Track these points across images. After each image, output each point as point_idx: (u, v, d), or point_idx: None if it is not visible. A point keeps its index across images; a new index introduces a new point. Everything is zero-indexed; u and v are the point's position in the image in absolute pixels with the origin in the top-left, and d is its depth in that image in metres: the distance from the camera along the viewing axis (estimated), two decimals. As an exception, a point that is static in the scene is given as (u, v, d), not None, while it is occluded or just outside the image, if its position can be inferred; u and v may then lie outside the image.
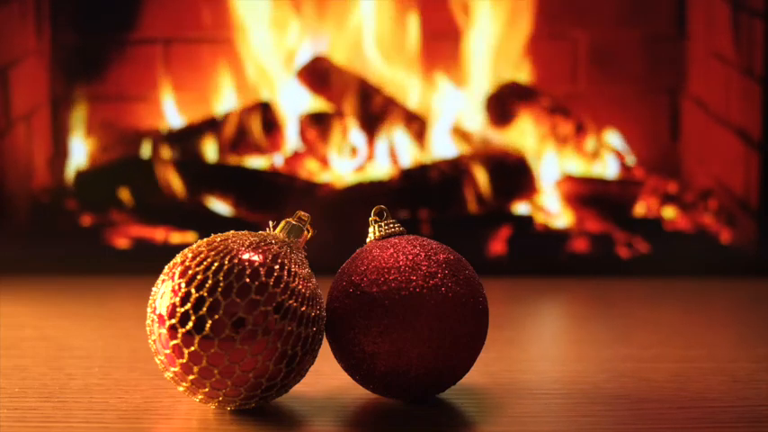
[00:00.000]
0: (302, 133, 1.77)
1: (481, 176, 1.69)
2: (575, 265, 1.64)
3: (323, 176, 1.73)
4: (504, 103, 1.78)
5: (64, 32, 1.83)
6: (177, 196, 1.71)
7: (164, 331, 0.82)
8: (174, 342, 0.82)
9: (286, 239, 0.87)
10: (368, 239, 0.91)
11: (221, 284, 0.81)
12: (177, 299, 0.82)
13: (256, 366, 0.82)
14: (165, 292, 0.83)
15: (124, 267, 1.59)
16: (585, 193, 1.73)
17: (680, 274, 1.57)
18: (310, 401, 0.90)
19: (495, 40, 1.79)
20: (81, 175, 1.76)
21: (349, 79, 1.78)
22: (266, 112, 1.78)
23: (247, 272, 0.82)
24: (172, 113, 1.81)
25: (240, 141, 1.77)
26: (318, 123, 1.77)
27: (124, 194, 1.71)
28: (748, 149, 1.64)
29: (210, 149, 1.76)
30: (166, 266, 0.85)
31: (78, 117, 1.81)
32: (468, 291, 0.86)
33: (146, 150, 1.76)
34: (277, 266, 0.83)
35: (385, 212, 0.91)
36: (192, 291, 0.82)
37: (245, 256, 0.83)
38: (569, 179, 1.74)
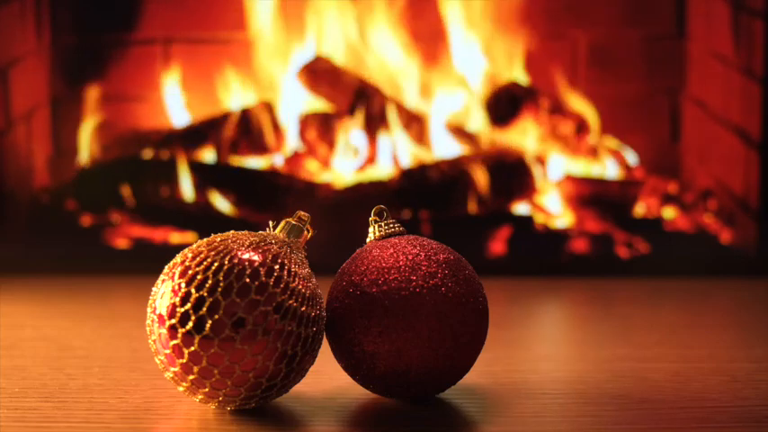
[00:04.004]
0: (302, 133, 1.77)
1: (481, 176, 1.69)
2: (575, 265, 1.64)
3: (323, 176, 1.73)
4: (503, 104, 1.78)
5: (64, 32, 1.83)
6: (177, 196, 1.71)
7: (164, 331, 0.82)
8: (174, 342, 0.82)
9: (286, 239, 0.87)
10: (368, 239, 0.91)
11: (221, 284, 0.81)
12: (177, 299, 0.82)
13: (256, 366, 0.82)
14: (165, 292, 0.83)
15: (124, 267, 1.59)
16: (585, 194, 1.73)
17: (680, 274, 1.57)
18: (310, 401, 0.90)
19: (495, 40, 1.79)
20: (81, 175, 1.76)
21: (349, 79, 1.78)
22: (266, 113, 1.78)
23: (247, 272, 0.82)
24: (172, 113, 1.81)
25: (240, 142, 1.77)
26: (318, 123, 1.77)
27: (125, 194, 1.71)
28: (748, 149, 1.64)
29: (211, 150, 1.76)
30: (166, 266, 0.85)
31: (78, 117, 1.81)
32: (468, 291, 0.86)
33: (145, 150, 1.76)
34: (277, 266, 0.83)
35: (385, 212, 0.91)
36: (192, 291, 0.82)
37: (245, 256, 0.83)
38: (569, 179, 1.74)
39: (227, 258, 0.83)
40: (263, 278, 0.82)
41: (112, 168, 1.76)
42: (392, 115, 1.75)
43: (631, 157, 1.80)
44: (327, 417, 0.87)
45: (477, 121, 1.78)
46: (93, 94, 1.82)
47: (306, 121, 1.78)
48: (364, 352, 0.85)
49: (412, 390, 0.87)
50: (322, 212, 1.62)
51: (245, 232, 0.87)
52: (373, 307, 0.84)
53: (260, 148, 1.77)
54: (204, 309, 0.81)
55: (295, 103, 1.79)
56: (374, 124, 1.75)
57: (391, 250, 0.87)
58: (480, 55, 1.80)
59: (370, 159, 1.75)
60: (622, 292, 1.52)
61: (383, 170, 1.73)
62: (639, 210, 1.74)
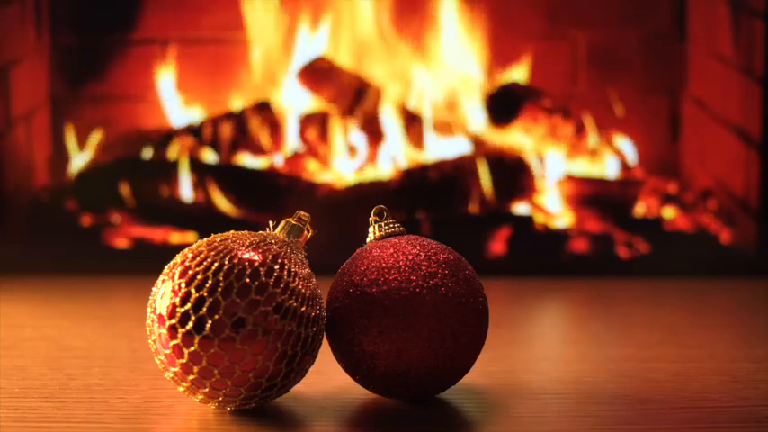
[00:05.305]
0: (302, 133, 1.77)
1: (481, 176, 1.69)
2: (575, 265, 1.64)
3: (323, 176, 1.73)
4: (504, 103, 1.78)
5: (64, 32, 1.83)
6: (177, 196, 1.71)
7: (164, 331, 0.82)
8: (174, 342, 0.82)
9: (286, 239, 0.87)
10: (368, 239, 0.91)
11: (221, 284, 0.81)
12: (177, 299, 0.82)
13: (256, 366, 0.82)
14: (165, 292, 0.83)
15: (124, 267, 1.59)
16: (586, 193, 1.73)
17: (680, 274, 1.57)
18: (310, 401, 0.90)
19: (495, 40, 1.79)
20: (81, 175, 1.76)
21: (349, 79, 1.78)
22: (266, 113, 1.78)
23: (247, 272, 0.82)
24: (172, 113, 1.81)
25: (240, 141, 1.77)
26: (318, 123, 1.77)
27: (124, 194, 1.71)
28: (748, 149, 1.64)
29: (210, 150, 1.76)
30: (166, 266, 0.85)
31: (78, 117, 1.81)
32: (468, 291, 0.86)
33: (145, 150, 1.76)
34: (277, 266, 0.83)
35: (385, 212, 0.91)
36: (192, 291, 0.82)
37: (245, 256, 0.83)
38: (569, 179, 1.74)
39: (227, 258, 0.83)
40: (263, 278, 0.82)
41: (112, 168, 1.76)
42: (392, 115, 1.75)
43: (631, 157, 1.80)
44: (327, 417, 0.87)
45: (478, 121, 1.78)
46: (93, 93, 1.82)
47: (306, 121, 1.78)
48: (364, 352, 0.85)
49: (412, 390, 0.87)
50: (322, 212, 1.62)
51: (245, 232, 0.87)
52: (373, 307, 0.84)
53: (260, 148, 1.77)
54: (204, 309, 0.81)
55: (295, 103, 1.79)
56: (374, 124, 1.75)
57: (391, 250, 0.87)
58: (480, 54, 1.80)
59: (370, 159, 1.75)
60: (622, 291, 1.52)
61: (383, 170, 1.73)
62: (639, 210, 1.74)
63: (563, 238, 1.66)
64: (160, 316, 0.83)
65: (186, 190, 1.71)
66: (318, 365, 0.89)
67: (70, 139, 1.79)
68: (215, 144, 1.76)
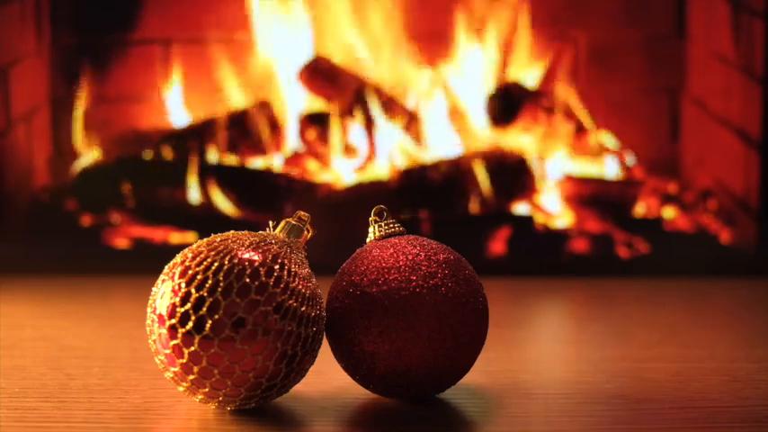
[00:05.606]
0: (302, 133, 1.77)
1: (481, 176, 1.69)
2: (575, 265, 1.64)
3: (323, 176, 1.73)
4: (504, 103, 1.78)
5: (64, 33, 1.83)
6: (177, 196, 1.71)
7: (164, 331, 0.82)
8: (174, 342, 0.82)
9: (286, 239, 0.87)
10: (368, 239, 0.91)
11: (221, 284, 0.81)
12: (177, 299, 0.82)
13: (256, 366, 0.82)
14: (165, 292, 0.83)
15: (124, 267, 1.59)
16: (585, 194, 1.73)
17: (680, 274, 1.57)
18: (310, 401, 0.90)
19: (495, 40, 1.79)
20: (81, 175, 1.76)
21: (349, 79, 1.78)
22: (266, 113, 1.78)
23: (247, 272, 0.82)
24: (172, 113, 1.81)
25: (240, 141, 1.77)
26: (318, 123, 1.77)
27: (124, 194, 1.71)
28: (748, 149, 1.64)
29: (210, 150, 1.76)
30: (166, 266, 0.85)
31: (78, 117, 1.81)
32: (468, 291, 0.86)
33: (145, 150, 1.76)
34: (277, 266, 0.83)
35: (385, 212, 0.91)
36: (192, 291, 0.82)
37: (245, 256, 0.83)
38: (569, 179, 1.74)
39: (227, 258, 0.83)
40: (263, 278, 0.82)
41: (112, 168, 1.76)
42: (392, 115, 1.75)
43: (630, 157, 1.80)
44: (327, 417, 0.87)
45: (478, 121, 1.78)
46: (93, 93, 1.82)
47: (305, 121, 1.78)
48: (364, 352, 0.85)
49: (412, 390, 0.87)
50: (322, 212, 1.62)
51: (245, 232, 0.87)
52: (373, 307, 0.84)
53: (260, 148, 1.77)
54: (204, 309, 0.81)
55: (295, 103, 1.79)
56: (374, 124, 1.75)
57: (391, 250, 0.87)
58: (480, 54, 1.80)
59: (370, 159, 1.75)
60: (622, 291, 1.52)
61: (383, 170, 1.73)
62: (639, 210, 1.74)
63: (563, 238, 1.66)
64: (160, 316, 0.83)
65: (186, 190, 1.71)
66: (318, 365, 0.89)
67: (76, 138, 1.79)
68: (215, 144, 1.76)
